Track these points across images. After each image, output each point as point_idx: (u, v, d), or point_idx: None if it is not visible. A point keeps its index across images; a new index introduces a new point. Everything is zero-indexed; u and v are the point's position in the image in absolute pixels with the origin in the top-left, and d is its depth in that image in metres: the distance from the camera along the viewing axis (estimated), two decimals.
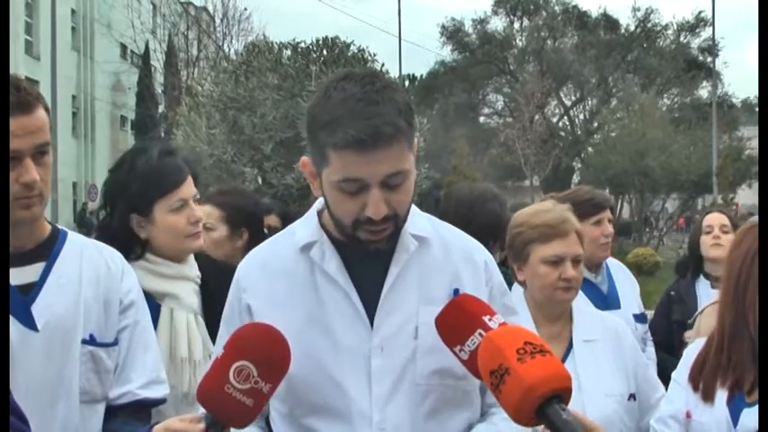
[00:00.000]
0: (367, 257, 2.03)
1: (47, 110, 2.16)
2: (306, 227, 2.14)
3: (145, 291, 2.71)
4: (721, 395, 2.38)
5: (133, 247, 2.80)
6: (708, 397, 2.40)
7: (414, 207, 2.09)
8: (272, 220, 4.19)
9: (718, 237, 4.69)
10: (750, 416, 2.29)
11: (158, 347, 2.66)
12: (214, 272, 2.95)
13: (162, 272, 2.81)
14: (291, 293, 2.06)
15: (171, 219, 2.78)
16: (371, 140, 1.85)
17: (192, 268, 2.90)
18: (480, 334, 1.86)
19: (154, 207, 2.77)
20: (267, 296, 2.08)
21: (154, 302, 2.75)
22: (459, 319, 1.90)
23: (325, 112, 1.91)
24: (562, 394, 1.65)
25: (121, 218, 2.80)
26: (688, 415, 2.44)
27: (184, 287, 2.84)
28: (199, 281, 2.89)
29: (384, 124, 1.86)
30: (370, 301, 2.03)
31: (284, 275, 2.08)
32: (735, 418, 2.34)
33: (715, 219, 4.80)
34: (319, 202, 2.15)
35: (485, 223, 3.56)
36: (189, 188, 2.83)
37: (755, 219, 2.44)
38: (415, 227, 2.09)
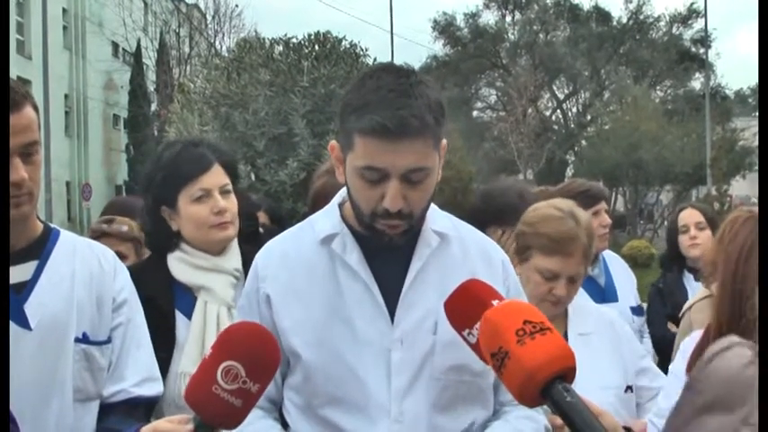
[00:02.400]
0: (388, 251, 2.05)
1: (35, 108, 2.15)
2: (327, 219, 2.15)
3: (183, 284, 2.77)
4: None
5: (169, 240, 2.83)
6: None
7: (433, 204, 2.11)
8: (260, 217, 4.16)
9: (695, 237, 4.71)
10: None
11: (191, 341, 2.70)
12: None
13: (197, 264, 2.81)
14: (311, 285, 2.07)
15: (193, 209, 2.79)
16: (397, 130, 1.87)
17: (230, 260, 2.87)
18: None
19: (178, 197, 2.79)
20: (287, 287, 2.09)
21: (191, 296, 2.78)
22: (467, 303, 1.89)
23: (358, 97, 1.94)
24: (566, 373, 1.60)
25: (151, 210, 2.84)
26: None
27: (219, 280, 2.82)
28: (238, 273, 2.86)
29: (411, 116, 1.88)
30: (390, 295, 2.04)
31: (304, 267, 2.10)
32: None
33: (689, 216, 4.80)
34: (339, 195, 2.17)
35: None
36: (213, 178, 2.81)
37: (748, 209, 2.43)
38: (437, 223, 2.11)
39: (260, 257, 2.19)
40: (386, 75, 1.95)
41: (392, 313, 2.03)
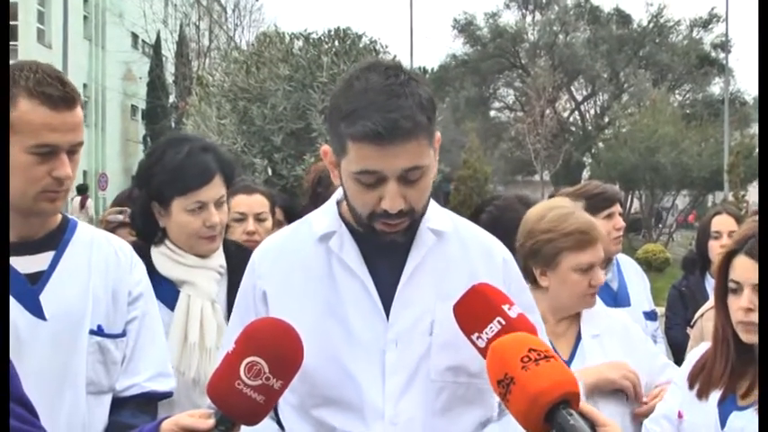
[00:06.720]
0: (385, 250, 2.02)
1: (81, 106, 2.17)
2: (324, 217, 2.12)
3: (165, 277, 2.74)
4: (715, 396, 2.39)
5: (155, 231, 2.81)
6: (702, 394, 2.40)
7: (432, 202, 2.08)
8: (275, 213, 4.18)
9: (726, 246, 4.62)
10: (738, 419, 2.31)
11: (172, 334, 2.66)
12: (243, 261, 2.91)
13: (182, 261, 2.80)
14: (308, 283, 2.05)
15: (185, 218, 2.75)
16: (389, 134, 1.84)
17: (214, 259, 2.85)
18: (499, 322, 1.84)
19: (172, 203, 2.75)
20: (283, 284, 2.07)
21: (174, 288, 2.76)
22: (478, 307, 1.88)
23: (347, 102, 1.91)
24: (570, 399, 1.64)
25: (142, 203, 2.81)
26: (680, 415, 2.44)
27: (203, 275, 2.80)
28: (223, 270, 2.85)
29: (403, 118, 1.85)
30: (388, 294, 2.02)
31: (301, 265, 2.07)
32: (723, 419, 2.35)
33: (723, 224, 4.72)
34: (338, 193, 2.14)
35: None
36: (212, 191, 2.76)
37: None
38: (434, 221, 2.08)
39: (257, 254, 2.16)
40: (374, 75, 1.91)
41: (388, 313, 2.01)
